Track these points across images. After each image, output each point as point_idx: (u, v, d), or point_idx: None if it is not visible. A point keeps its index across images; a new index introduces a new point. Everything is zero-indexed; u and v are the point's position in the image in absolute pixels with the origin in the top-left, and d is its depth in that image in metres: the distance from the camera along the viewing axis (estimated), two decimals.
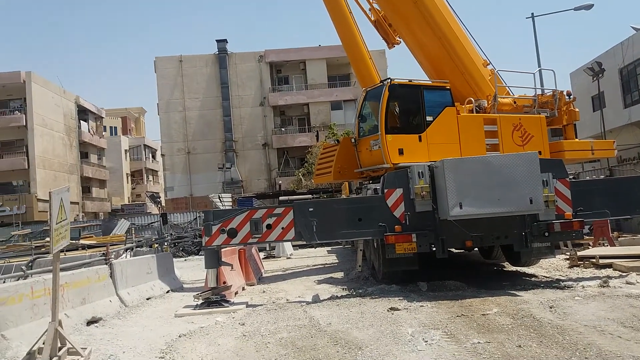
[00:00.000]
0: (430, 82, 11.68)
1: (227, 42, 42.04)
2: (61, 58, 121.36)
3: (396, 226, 9.01)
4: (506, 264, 11.84)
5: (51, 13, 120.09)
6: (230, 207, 25.01)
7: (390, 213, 9.12)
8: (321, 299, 8.96)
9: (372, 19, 13.86)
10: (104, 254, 11.68)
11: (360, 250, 11.79)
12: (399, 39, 13.68)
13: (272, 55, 41.78)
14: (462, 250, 12.55)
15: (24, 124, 40.76)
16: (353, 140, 12.09)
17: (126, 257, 14.42)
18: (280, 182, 38.37)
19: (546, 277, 10.12)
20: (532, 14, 14.22)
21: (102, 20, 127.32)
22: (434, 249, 9.03)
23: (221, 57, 41.52)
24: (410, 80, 11.02)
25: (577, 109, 12.27)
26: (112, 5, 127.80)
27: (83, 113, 50.41)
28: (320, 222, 9.16)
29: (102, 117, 55.94)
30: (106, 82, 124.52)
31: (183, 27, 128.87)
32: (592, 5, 13.69)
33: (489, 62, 12.15)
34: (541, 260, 11.26)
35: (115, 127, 66.14)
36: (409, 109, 11.06)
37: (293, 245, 21.19)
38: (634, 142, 23.74)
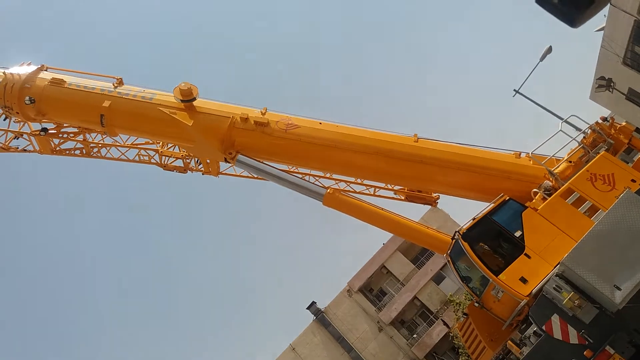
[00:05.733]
0: (491, 205, 11.50)
1: (316, 303, 42.91)
2: None
3: (585, 352, 7.93)
4: None
5: None
6: None
7: (568, 345, 8.11)
8: None
9: (402, 198, 14.36)
10: None
11: None
12: (435, 194, 14.00)
13: (356, 282, 42.18)
14: None
15: None
16: (477, 304, 11.41)
17: None
18: None
19: None
20: (515, 90, 14.68)
21: None
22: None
23: (320, 319, 41.90)
24: (474, 218, 10.91)
25: (623, 122, 11.83)
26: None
27: None
28: None
29: None
30: None
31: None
32: (551, 47, 14.30)
33: (518, 152, 12.19)
34: None
35: None
36: (495, 240, 10.74)
37: None
38: None
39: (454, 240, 11.04)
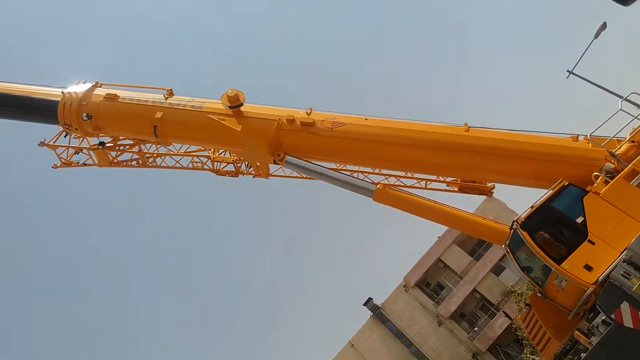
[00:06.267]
0: (549, 192, 11.06)
1: (372, 299, 42.68)
2: None
3: None
4: None
5: None
6: None
7: None
8: None
9: (456, 190, 14.07)
10: None
11: None
12: (490, 184, 13.63)
13: (412, 278, 41.66)
14: None
15: None
16: (539, 294, 11.03)
17: None
18: None
19: None
20: (568, 70, 13.94)
21: None
22: None
23: (378, 315, 41.68)
24: (532, 206, 10.56)
25: None
26: None
27: None
28: None
29: None
30: None
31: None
32: (605, 23, 13.50)
33: (576, 135, 11.68)
34: None
35: None
36: (555, 227, 10.35)
37: None
38: None
39: (512, 230, 10.72)
